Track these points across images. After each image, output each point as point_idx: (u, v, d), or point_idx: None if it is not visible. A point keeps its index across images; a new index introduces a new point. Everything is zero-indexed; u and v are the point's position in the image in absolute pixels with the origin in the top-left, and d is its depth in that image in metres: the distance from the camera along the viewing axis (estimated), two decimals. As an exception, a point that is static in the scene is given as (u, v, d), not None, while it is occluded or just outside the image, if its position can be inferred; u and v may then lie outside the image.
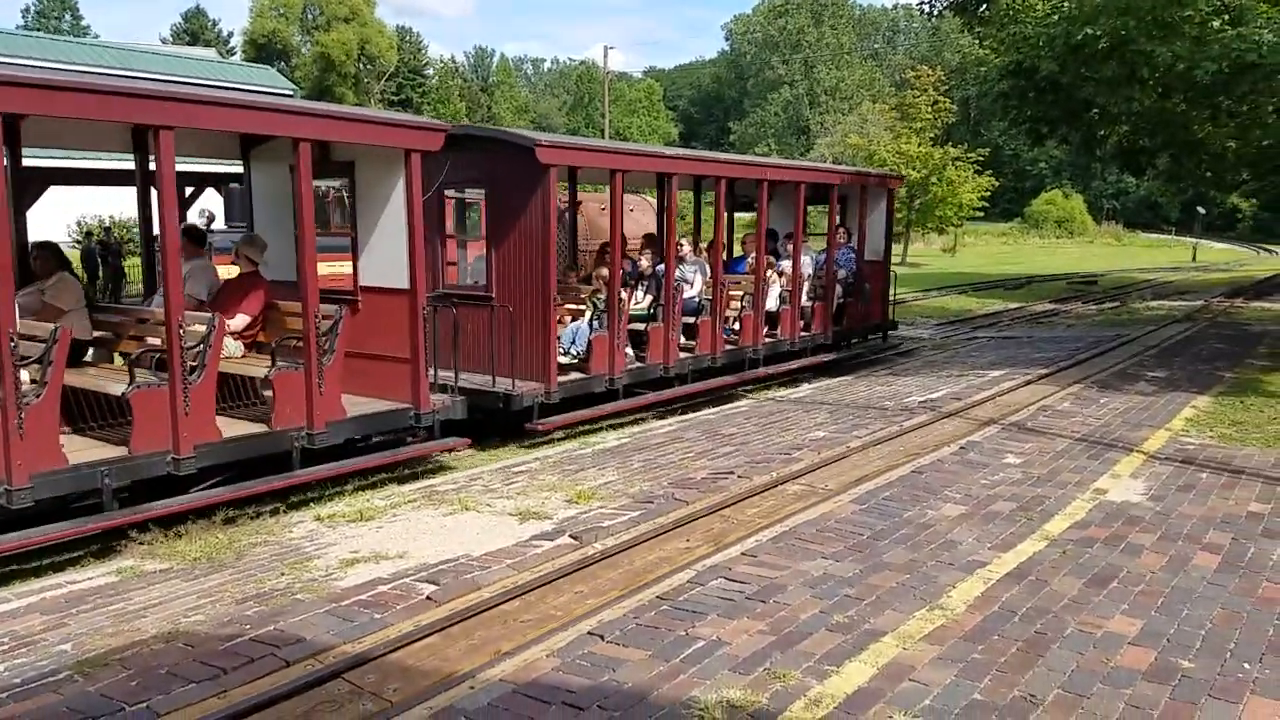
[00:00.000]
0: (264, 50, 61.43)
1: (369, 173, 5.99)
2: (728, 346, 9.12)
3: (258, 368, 5.49)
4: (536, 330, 7.18)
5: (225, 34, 67.76)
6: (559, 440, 7.32)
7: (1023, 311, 18.69)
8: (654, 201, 13.84)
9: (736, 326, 9.33)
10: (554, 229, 7.11)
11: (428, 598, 3.91)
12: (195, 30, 64.76)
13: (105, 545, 4.79)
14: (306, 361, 5.37)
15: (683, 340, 8.69)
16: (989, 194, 35.60)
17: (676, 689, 3.08)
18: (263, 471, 5.30)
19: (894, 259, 12.86)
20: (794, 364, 10.08)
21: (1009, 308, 19.43)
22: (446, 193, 7.96)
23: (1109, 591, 3.93)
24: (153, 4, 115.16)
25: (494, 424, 7.20)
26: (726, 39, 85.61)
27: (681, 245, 9.05)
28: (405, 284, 5.84)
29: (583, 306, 8.10)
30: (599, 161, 8.07)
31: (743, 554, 4.38)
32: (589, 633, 3.51)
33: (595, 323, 7.89)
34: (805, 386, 9.68)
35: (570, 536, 4.68)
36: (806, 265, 10.29)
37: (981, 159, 34.91)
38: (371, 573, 4.23)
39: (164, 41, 58.30)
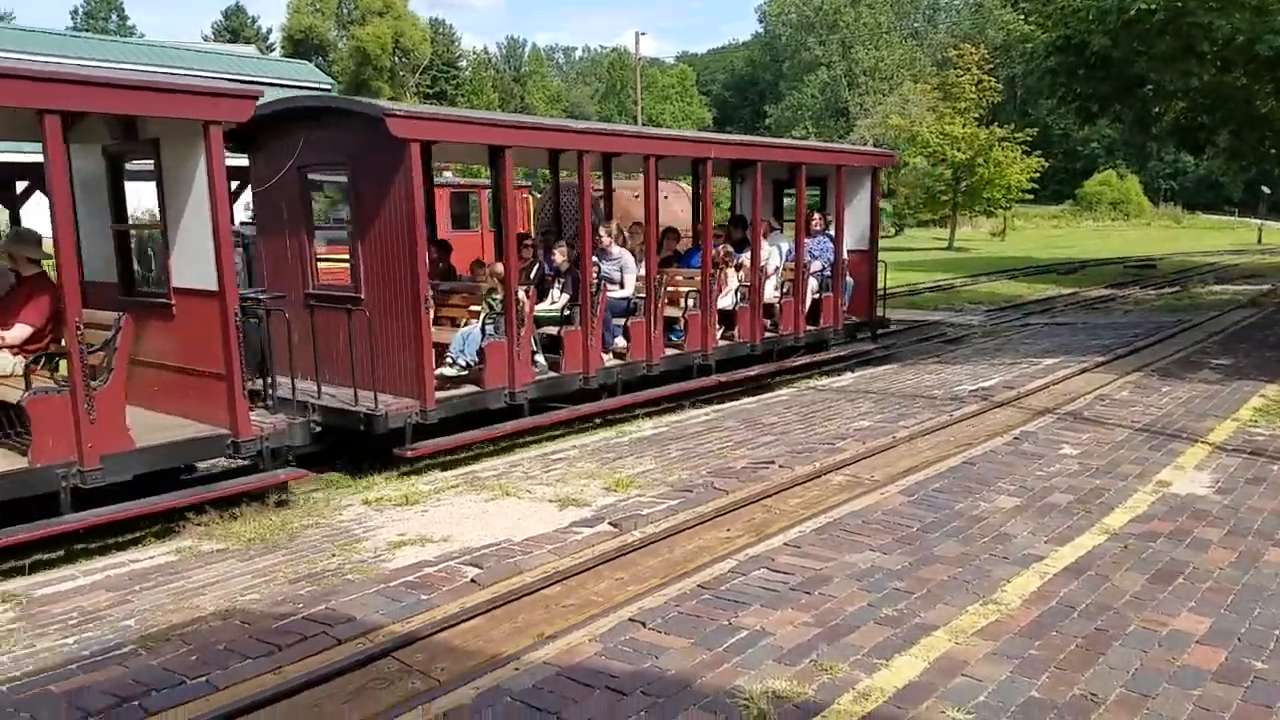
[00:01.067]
0: (301, 46, 62.65)
1: (174, 152, 4.95)
2: (670, 351, 7.98)
3: (16, 391, 4.48)
4: (408, 337, 6.04)
5: (264, 30, 69.37)
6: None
7: (1077, 297, 18.05)
8: (688, 188, 13.54)
9: (682, 328, 8.07)
10: (420, 215, 5.95)
11: (472, 580, 3.94)
12: (235, 28, 66.29)
13: (165, 526, 4.96)
14: (72, 382, 4.44)
15: (621, 344, 7.70)
16: (1038, 175, 34.40)
17: (720, 678, 3.05)
18: (35, 515, 4.38)
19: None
20: (754, 370, 8.78)
21: (1062, 293, 18.77)
22: (314, 176, 6.87)
23: (1174, 588, 3.77)
24: (195, 3, 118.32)
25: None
26: (760, 21, 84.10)
27: (600, 236, 7.78)
28: (214, 285, 4.88)
29: (480, 307, 6.93)
30: (473, 135, 6.67)
31: (785, 544, 4.32)
32: (630, 619, 3.50)
33: (490, 326, 6.58)
34: (848, 375, 9.49)
35: (609, 524, 4.67)
36: (772, 257, 9.01)
37: (1030, 139, 33.74)
38: (417, 555, 4.29)
39: (206, 39, 59.88)
